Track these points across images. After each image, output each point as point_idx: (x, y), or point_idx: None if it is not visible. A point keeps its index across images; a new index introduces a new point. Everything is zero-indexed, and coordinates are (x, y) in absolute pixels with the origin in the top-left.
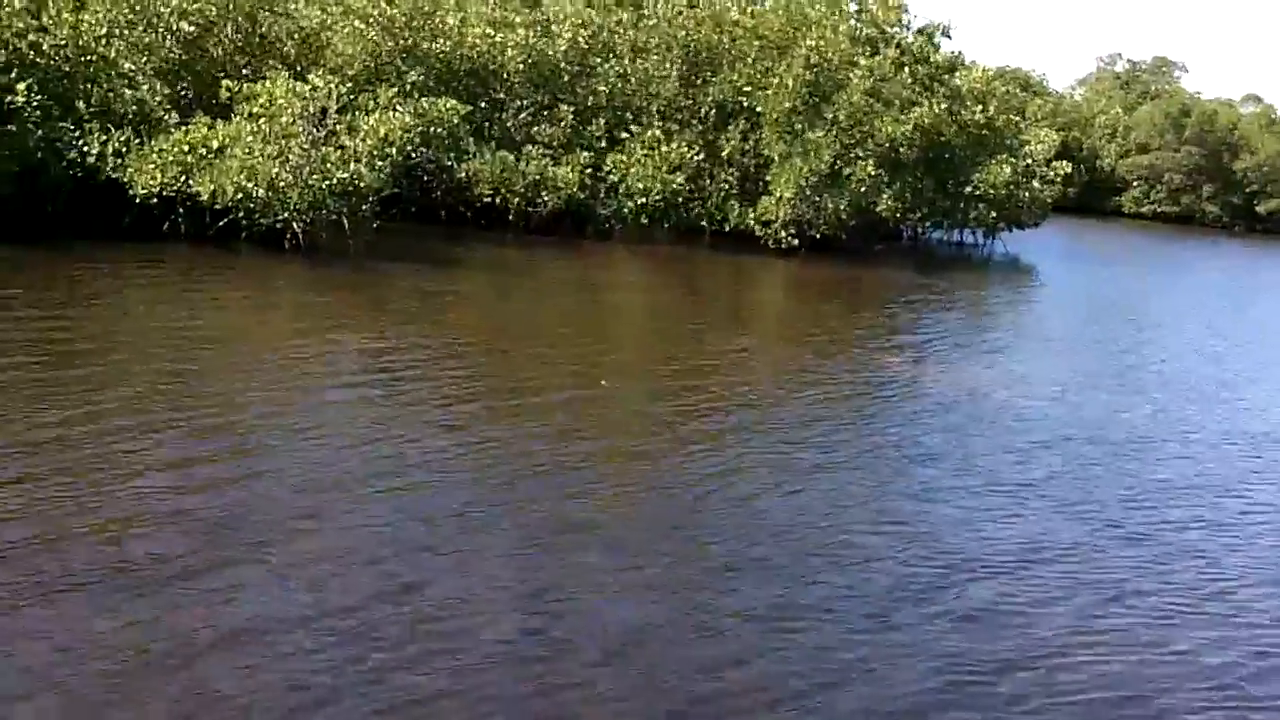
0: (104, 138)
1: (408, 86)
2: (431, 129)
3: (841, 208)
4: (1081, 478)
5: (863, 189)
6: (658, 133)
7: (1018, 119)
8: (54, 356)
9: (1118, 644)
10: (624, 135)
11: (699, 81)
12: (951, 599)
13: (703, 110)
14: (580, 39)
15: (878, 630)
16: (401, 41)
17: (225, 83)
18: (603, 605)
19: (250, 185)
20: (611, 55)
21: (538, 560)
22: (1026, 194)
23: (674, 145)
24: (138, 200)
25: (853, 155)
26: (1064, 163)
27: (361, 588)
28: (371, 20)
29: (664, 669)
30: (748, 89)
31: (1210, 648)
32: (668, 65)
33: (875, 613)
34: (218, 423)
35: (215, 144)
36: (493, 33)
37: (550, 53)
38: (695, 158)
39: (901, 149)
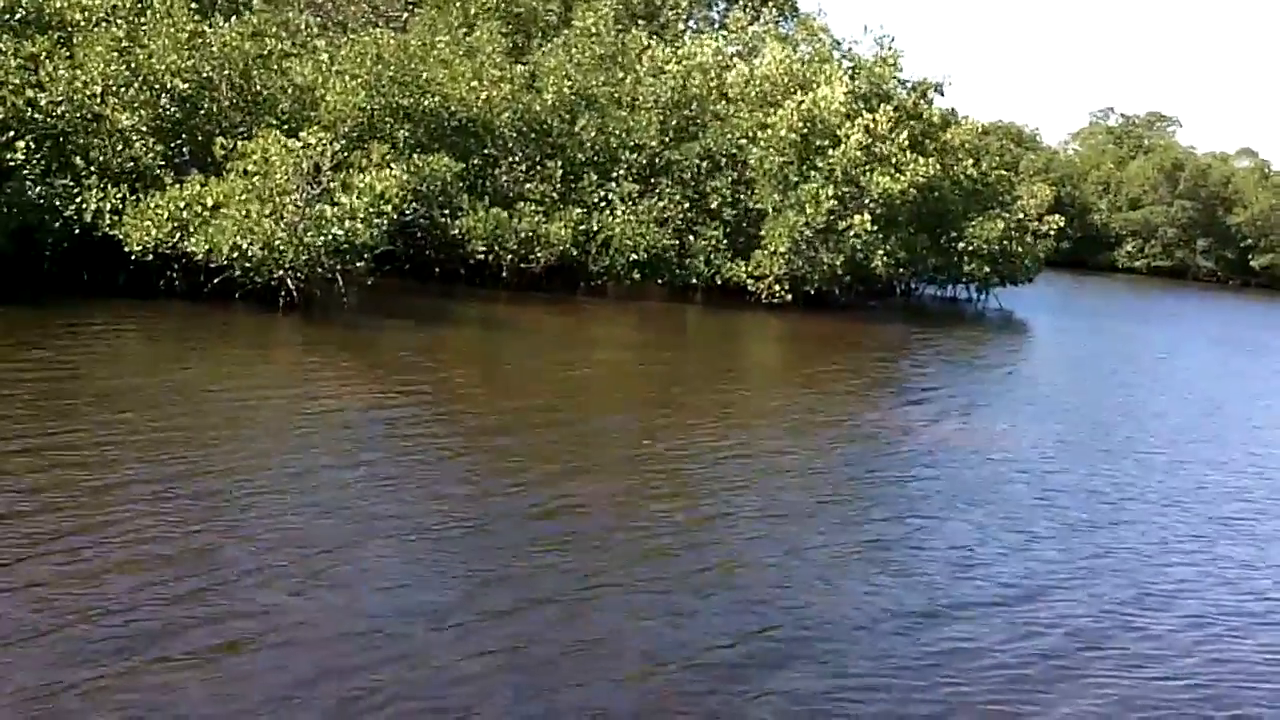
0: (100, 195)
1: (400, 144)
2: (425, 186)
3: (837, 263)
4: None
5: (859, 244)
6: (638, 187)
7: (1010, 174)
8: (46, 413)
9: None
10: (609, 190)
11: (686, 134)
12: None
13: (688, 163)
14: (566, 91)
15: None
16: (389, 99)
17: (219, 140)
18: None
19: (245, 243)
20: (592, 109)
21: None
22: (1019, 249)
23: (653, 200)
24: (133, 257)
25: (848, 210)
26: (1057, 217)
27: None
28: (358, 78)
29: None
30: (742, 141)
31: None
32: (650, 117)
33: None
34: (208, 479)
35: (210, 201)
36: (478, 86)
37: (537, 107)
38: (682, 211)
39: (896, 204)
